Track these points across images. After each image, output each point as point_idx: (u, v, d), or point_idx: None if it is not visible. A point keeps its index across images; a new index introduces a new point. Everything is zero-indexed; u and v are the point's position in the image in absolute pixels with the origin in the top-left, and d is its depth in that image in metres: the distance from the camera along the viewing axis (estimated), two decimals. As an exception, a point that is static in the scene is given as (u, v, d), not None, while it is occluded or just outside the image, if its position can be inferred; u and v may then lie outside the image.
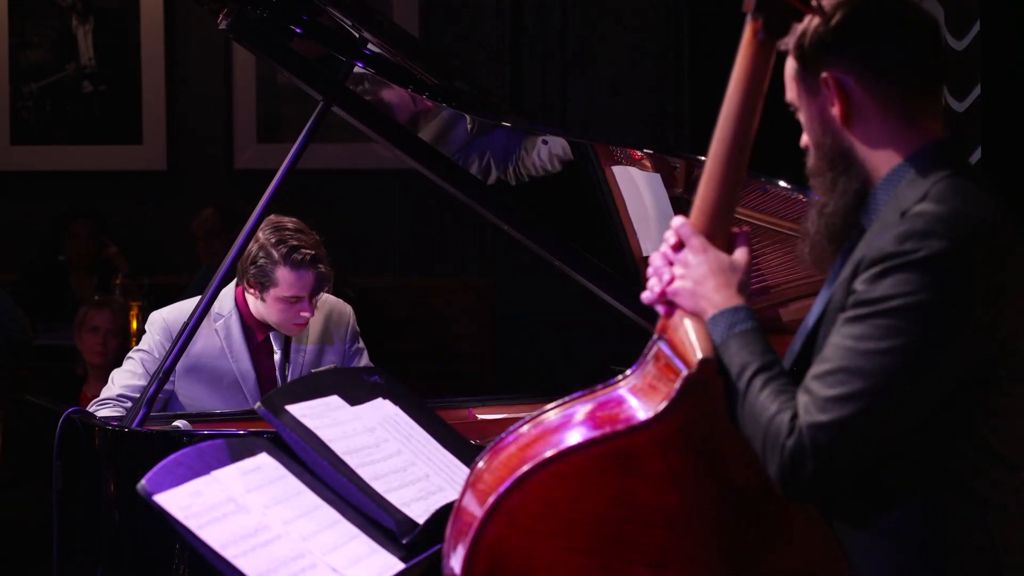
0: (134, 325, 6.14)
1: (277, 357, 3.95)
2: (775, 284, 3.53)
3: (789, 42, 2.12)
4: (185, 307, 3.93)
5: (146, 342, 3.94)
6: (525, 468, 2.08)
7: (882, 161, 2.09)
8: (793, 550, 2.15)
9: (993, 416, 2.04)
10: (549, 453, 2.08)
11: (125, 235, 7.03)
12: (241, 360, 3.92)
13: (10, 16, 7.25)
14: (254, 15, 3.53)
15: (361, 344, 4.11)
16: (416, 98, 3.67)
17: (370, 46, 3.55)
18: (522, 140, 3.75)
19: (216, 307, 3.89)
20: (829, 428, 1.95)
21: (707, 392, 2.07)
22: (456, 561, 2.14)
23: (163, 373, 3.48)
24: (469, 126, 3.75)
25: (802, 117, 2.16)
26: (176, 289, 6.59)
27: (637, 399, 2.11)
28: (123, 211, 7.17)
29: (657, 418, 2.06)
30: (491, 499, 2.09)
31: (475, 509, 2.13)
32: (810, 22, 2.09)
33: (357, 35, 3.52)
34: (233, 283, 3.95)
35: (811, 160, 2.15)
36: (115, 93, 7.25)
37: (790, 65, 2.14)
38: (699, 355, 2.06)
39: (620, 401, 2.13)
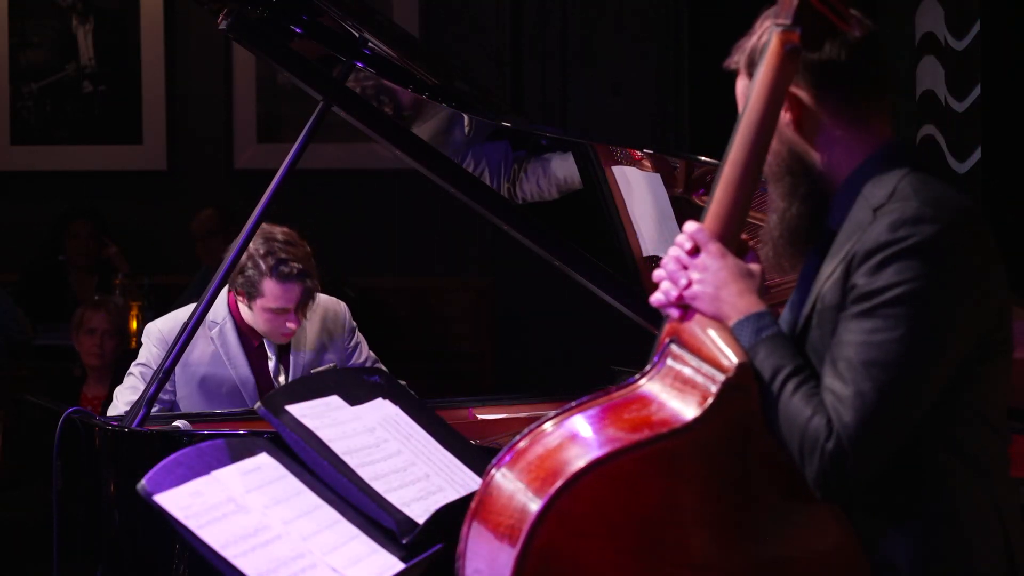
0: (134, 325, 6.14)
1: (272, 363, 3.95)
2: (775, 284, 3.52)
3: (739, 60, 2.19)
4: (179, 316, 3.93)
5: (143, 355, 3.94)
6: (573, 470, 2.08)
7: (841, 165, 2.15)
8: (819, 547, 2.17)
9: (984, 385, 2.11)
10: (596, 455, 2.08)
11: (125, 235, 7.03)
12: (239, 366, 3.92)
13: (10, 16, 7.25)
14: (254, 15, 3.53)
15: (359, 337, 4.10)
16: (412, 98, 3.66)
17: (370, 46, 3.55)
18: (520, 158, 3.75)
19: (210, 315, 3.87)
20: (860, 425, 2.00)
21: (744, 395, 2.10)
22: (493, 566, 2.13)
23: (163, 373, 3.48)
24: (467, 129, 3.74)
25: None
26: (176, 289, 6.60)
27: (670, 402, 2.13)
28: (123, 211, 7.17)
29: (700, 420, 2.08)
30: (542, 502, 2.08)
31: (513, 513, 2.12)
32: (759, 39, 2.16)
33: (357, 35, 3.52)
34: (226, 289, 3.94)
35: (767, 168, 2.20)
36: (115, 93, 7.25)
37: (741, 81, 2.21)
38: (735, 359, 2.09)
39: (647, 403, 2.14)
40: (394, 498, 2.73)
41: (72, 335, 5.49)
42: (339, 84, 3.57)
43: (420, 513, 2.71)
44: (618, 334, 4.32)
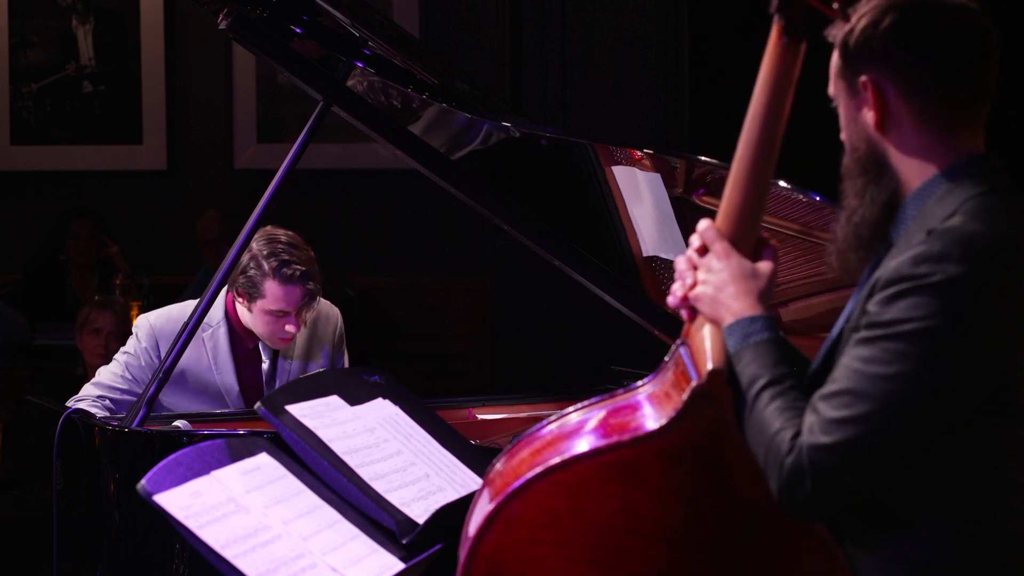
0: (134, 325, 6.14)
1: (265, 366, 3.95)
2: (775, 284, 3.53)
3: (837, 35, 2.06)
4: (174, 312, 3.92)
5: (131, 346, 3.92)
6: (527, 476, 2.06)
7: (914, 173, 2.04)
8: (800, 568, 2.11)
9: (1009, 442, 1.98)
10: (553, 461, 2.06)
11: (125, 235, 7.03)
12: (225, 373, 3.90)
13: (10, 16, 7.25)
14: (254, 15, 3.53)
15: (344, 348, 4.08)
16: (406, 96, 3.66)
17: (370, 46, 3.55)
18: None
19: (205, 317, 3.86)
20: (830, 450, 1.91)
21: (716, 403, 2.03)
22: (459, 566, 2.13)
23: (163, 373, 3.48)
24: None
25: (840, 114, 2.11)
26: (176, 289, 6.59)
27: (651, 407, 2.08)
28: (123, 211, 7.17)
29: (663, 430, 2.03)
30: (491, 506, 2.07)
31: (474, 516, 2.12)
32: (858, 21, 2.03)
33: (357, 35, 3.52)
34: (225, 290, 3.92)
35: (845, 160, 2.10)
36: (115, 93, 7.25)
37: (835, 60, 2.09)
38: (710, 365, 2.03)
39: (635, 408, 2.10)
40: (394, 498, 2.74)
41: (76, 334, 5.48)
42: (339, 84, 3.57)
43: (420, 513, 2.72)
44: (617, 334, 4.32)
